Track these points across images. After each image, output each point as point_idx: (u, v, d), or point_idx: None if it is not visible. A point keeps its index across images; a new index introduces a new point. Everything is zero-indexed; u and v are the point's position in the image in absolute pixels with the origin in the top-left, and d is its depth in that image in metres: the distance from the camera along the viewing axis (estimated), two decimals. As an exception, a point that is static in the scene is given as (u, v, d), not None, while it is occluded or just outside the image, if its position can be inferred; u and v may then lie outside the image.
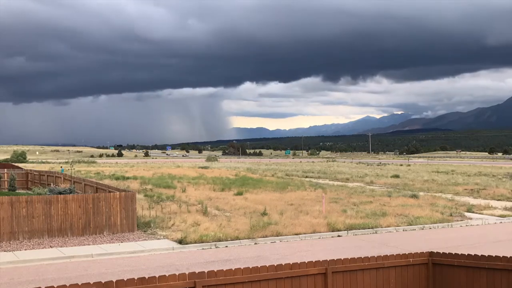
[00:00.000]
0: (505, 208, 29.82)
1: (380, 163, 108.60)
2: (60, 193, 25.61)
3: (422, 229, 23.74)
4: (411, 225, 24.04)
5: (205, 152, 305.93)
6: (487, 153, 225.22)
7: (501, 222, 25.96)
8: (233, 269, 8.49)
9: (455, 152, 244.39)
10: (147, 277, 7.78)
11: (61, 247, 18.84)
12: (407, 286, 9.86)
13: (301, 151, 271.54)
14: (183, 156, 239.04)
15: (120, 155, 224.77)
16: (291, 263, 9.01)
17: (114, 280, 7.56)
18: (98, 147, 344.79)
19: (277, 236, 21.00)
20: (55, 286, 7.50)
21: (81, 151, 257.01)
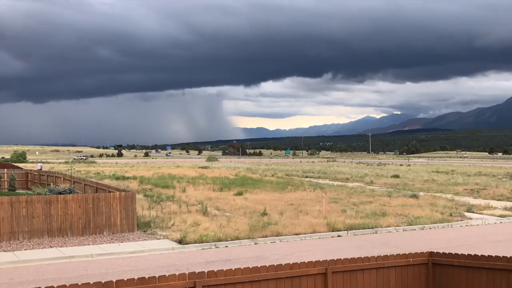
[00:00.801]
0: (505, 208, 29.82)
1: (380, 163, 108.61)
2: (60, 193, 25.60)
3: (422, 229, 23.74)
4: (411, 225, 24.04)
5: (205, 152, 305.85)
6: (487, 153, 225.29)
7: (501, 222, 25.96)
8: (233, 269, 8.49)
9: (455, 152, 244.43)
10: (147, 277, 7.78)
11: (61, 247, 18.84)
12: (407, 286, 9.86)
13: (301, 151, 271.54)
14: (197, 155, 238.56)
15: (120, 155, 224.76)
16: (291, 263, 9.01)
17: (114, 280, 7.56)
18: (98, 147, 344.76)
19: (277, 236, 21.00)
20: (55, 286, 7.50)
21: (81, 151, 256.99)
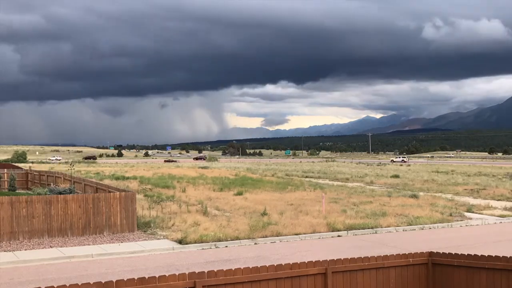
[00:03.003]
0: (505, 208, 29.82)
1: (380, 163, 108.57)
2: (60, 193, 25.60)
3: (422, 229, 23.75)
4: (411, 225, 24.05)
5: (205, 152, 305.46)
6: (487, 153, 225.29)
7: (501, 222, 25.97)
8: (233, 269, 8.50)
9: (455, 152, 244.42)
10: (147, 277, 7.78)
11: (61, 247, 18.84)
12: (407, 286, 9.87)
13: (301, 151, 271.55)
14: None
15: (120, 155, 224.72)
16: (291, 263, 9.01)
17: (114, 280, 7.57)
18: (98, 147, 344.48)
19: (277, 236, 21.00)
20: (55, 286, 7.51)
21: (81, 151, 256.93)
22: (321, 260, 9.26)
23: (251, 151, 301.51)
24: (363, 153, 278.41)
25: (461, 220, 25.77)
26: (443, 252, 10.03)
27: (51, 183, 37.10)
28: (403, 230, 23.27)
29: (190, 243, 19.41)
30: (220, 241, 19.83)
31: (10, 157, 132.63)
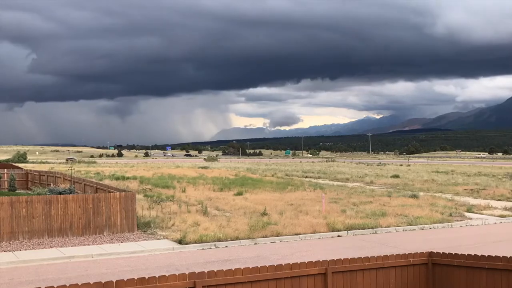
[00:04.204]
0: (505, 208, 29.81)
1: (380, 163, 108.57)
2: (60, 193, 25.60)
3: (422, 229, 23.75)
4: (411, 225, 24.05)
5: (205, 152, 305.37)
6: (487, 153, 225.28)
7: (501, 222, 25.97)
8: (233, 269, 8.50)
9: (455, 152, 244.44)
10: (147, 277, 7.78)
11: (61, 247, 18.84)
12: (407, 286, 9.87)
13: (301, 151, 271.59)
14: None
15: (120, 155, 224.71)
16: (291, 263, 9.01)
17: (114, 280, 7.57)
18: (98, 147, 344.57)
19: (277, 236, 21.00)
20: (55, 286, 7.51)
21: (81, 151, 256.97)
22: (321, 260, 9.26)
23: (251, 151, 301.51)
24: (363, 153, 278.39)
25: (461, 220, 25.76)
26: (443, 252, 10.03)
27: (51, 183, 37.11)
28: (403, 230, 23.27)
29: (190, 243, 19.41)
30: (220, 241, 19.83)
31: (10, 157, 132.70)
